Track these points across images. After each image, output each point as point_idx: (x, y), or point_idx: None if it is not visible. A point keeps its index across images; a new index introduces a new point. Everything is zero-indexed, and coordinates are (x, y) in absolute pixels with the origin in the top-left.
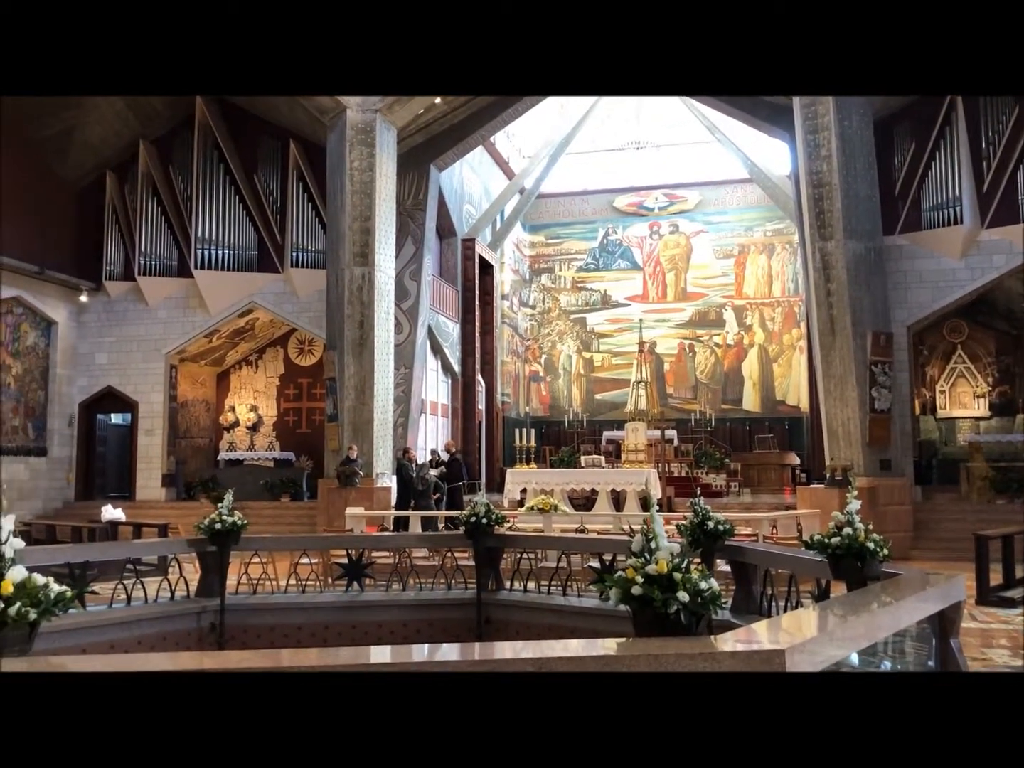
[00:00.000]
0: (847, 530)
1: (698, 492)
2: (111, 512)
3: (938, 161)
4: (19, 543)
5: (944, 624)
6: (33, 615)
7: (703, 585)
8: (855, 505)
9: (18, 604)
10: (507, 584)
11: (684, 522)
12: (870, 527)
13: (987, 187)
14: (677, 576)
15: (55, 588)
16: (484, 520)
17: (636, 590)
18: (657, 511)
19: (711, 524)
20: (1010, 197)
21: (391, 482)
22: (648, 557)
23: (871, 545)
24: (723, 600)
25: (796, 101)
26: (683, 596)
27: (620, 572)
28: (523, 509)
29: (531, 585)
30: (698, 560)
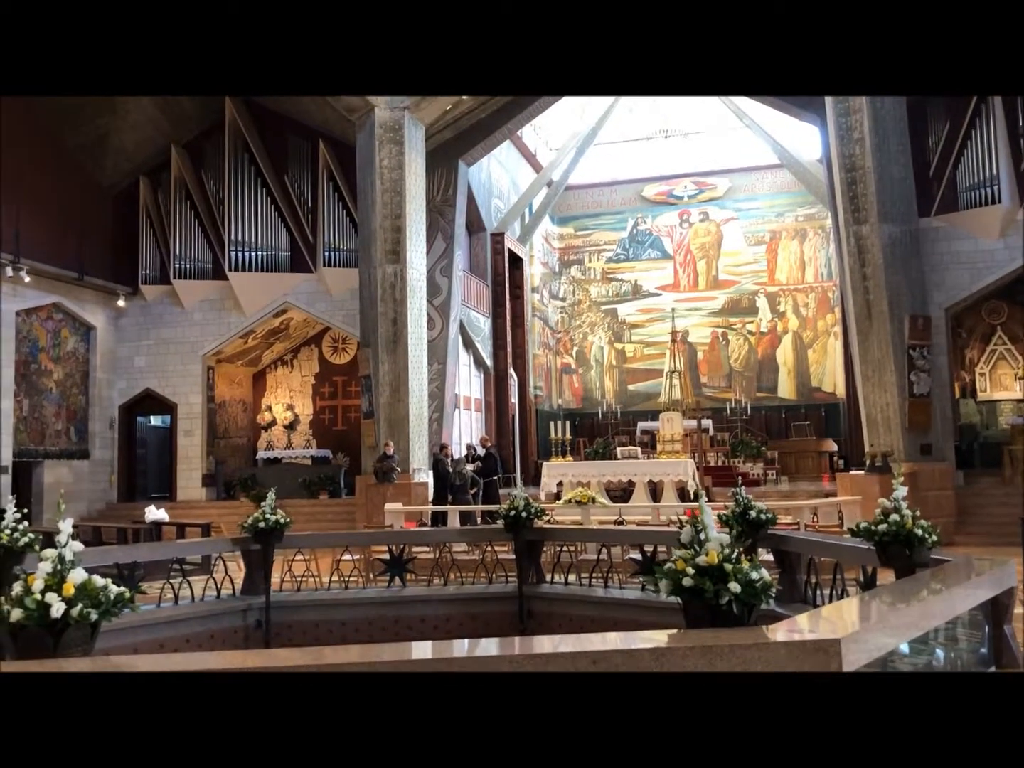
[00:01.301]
0: (894, 517)
1: (739, 482)
2: (155, 513)
3: (974, 140)
4: (78, 545)
5: (997, 611)
6: (94, 616)
7: (754, 575)
8: (902, 491)
9: (80, 605)
10: (548, 577)
11: (725, 512)
12: (917, 513)
13: None
14: (728, 567)
15: (114, 589)
16: (524, 514)
17: (687, 581)
18: (705, 501)
19: (753, 513)
20: None
21: (428, 477)
22: (698, 548)
23: (919, 532)
24: (773, 590)
25: None
26: (735, 587)
27: (669, 564)
28: (560, 502)
29: (572, 578)
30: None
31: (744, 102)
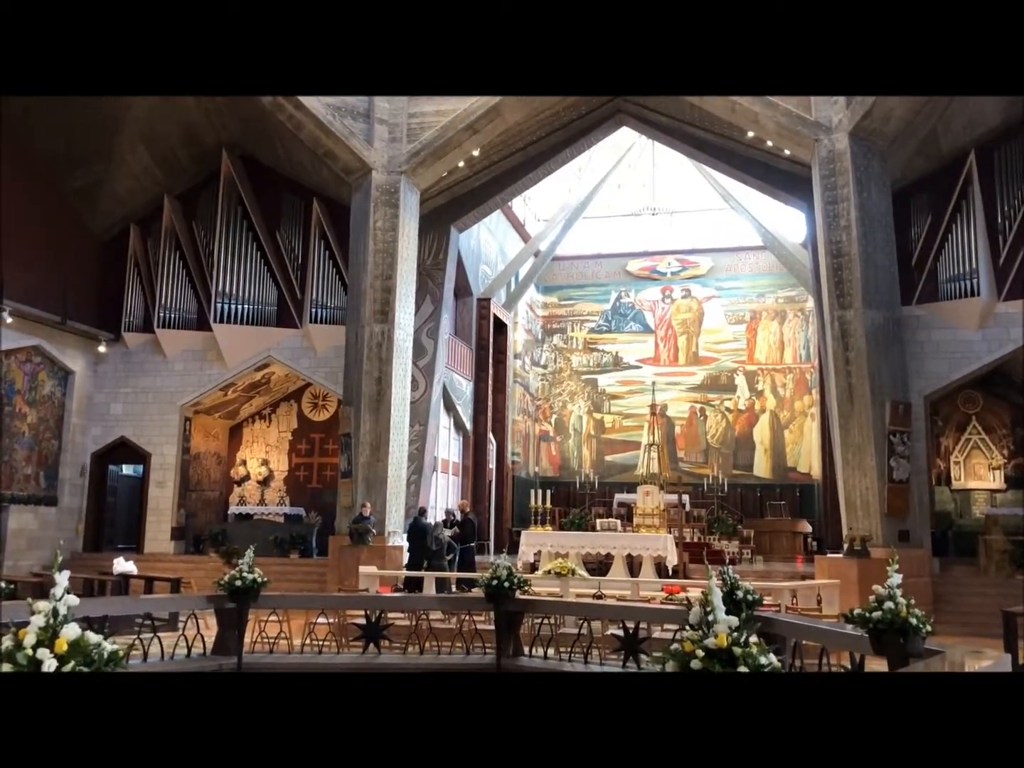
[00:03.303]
0: (889, 604)
1: (727, 560)
2: (123, 565)
3: (955, 234)
4: (73, 600)
5: None
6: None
7: (763, 660)
8: (896, 579)
9: (72, 663)
10: (526, 650)
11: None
12: (912, 601)
13: (1003, 260)
14: (737, 650)
15: (108, 647)
16: (506, 584)
17: (695, 664)
18: (716, 582)
19: (740, 593)
20: None
21: (403, 541)
22: (706, 630)
23: (914, 620)
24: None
25: (815, 172)
26: (744, 671)
27: (676, 644)
28: (539, 572)
29: (551, 651)
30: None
31: (731, 184)
